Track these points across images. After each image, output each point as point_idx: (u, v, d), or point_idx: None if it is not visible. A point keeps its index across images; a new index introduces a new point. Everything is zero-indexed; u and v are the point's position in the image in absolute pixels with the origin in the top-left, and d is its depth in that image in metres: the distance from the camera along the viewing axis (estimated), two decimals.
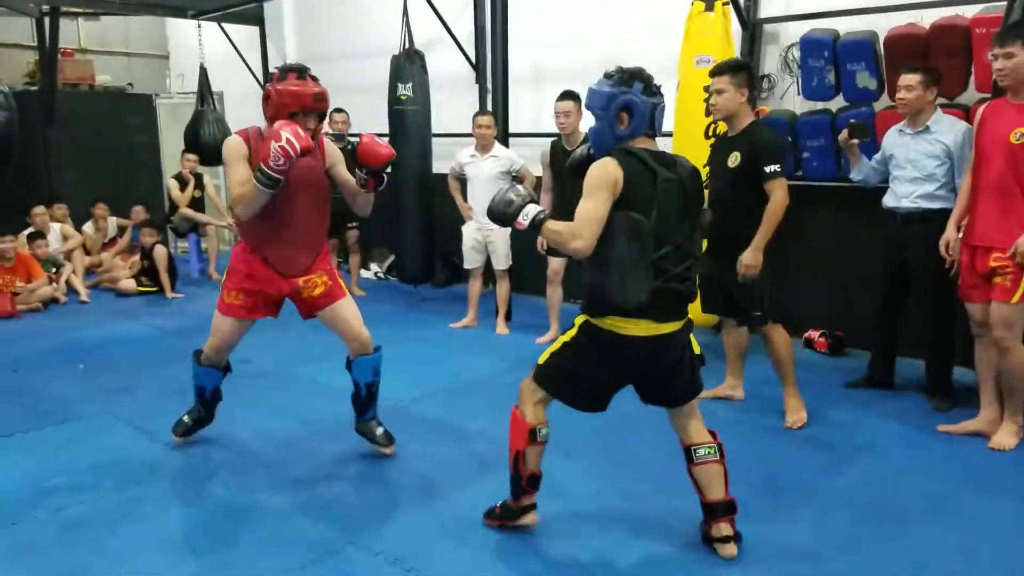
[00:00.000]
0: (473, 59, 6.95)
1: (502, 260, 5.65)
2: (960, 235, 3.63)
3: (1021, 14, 3.82)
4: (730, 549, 2.64)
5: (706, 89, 4.04)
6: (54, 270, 7.04)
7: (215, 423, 3.76)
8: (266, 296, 3.31)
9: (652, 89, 2.55)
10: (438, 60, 6.86)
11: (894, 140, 4.05)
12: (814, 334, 5.15)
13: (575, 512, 2.98)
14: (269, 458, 3.46)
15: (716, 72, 3.76)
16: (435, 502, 3.07)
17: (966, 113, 4.12)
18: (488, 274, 5.95)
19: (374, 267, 8.10)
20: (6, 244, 6.44)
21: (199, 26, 8.78)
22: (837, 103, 4.86)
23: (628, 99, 2.50)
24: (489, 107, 6.57)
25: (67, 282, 7.05)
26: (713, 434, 2.71)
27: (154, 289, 7.13)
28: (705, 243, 3.35)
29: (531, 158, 5.78)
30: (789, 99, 5.19)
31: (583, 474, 3.32)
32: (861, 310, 4.60)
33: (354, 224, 6.96)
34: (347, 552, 2.69)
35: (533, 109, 6.58)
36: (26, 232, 7.11)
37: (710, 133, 4.56)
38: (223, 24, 8.94)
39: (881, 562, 2.63)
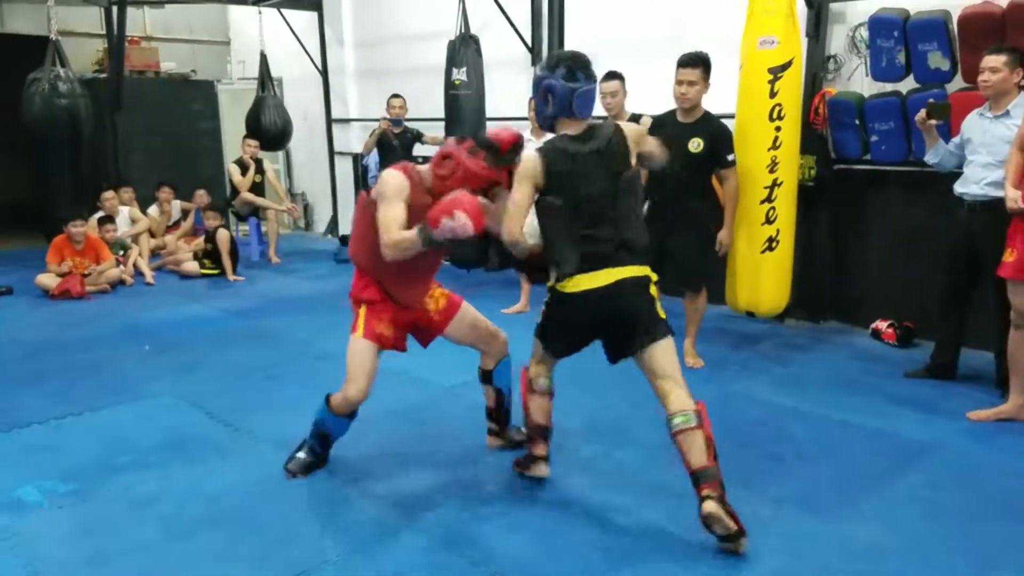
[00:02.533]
0: (529, 42, 6.90)
1: None
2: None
3: None
4: (708, 505, 2.53)
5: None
6: (121, 252, 7.26)
7: (280, 406, 3.84)
8: (406, 325, 3.15)
9: (575, 74, 2.74)
10: (493, 43, 6.82)
11: (973, 123, 3.87)
12: (881, 325, 4.98)
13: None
14: None
15: (689, 63, 4.16)
16: (489, 486, 3.07)
17: None
18: None
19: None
20: (78, 228, 6.66)
21: (260, 12, 8.91)
22: (907, 85, 4.67)
23: (548, 83, 2.75)
24: None
25: (134, 264, 7.28)
26: (698, 403, 2.68)
27: (216, 271, 7.30)
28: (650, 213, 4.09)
29: None
30: (856, 81, 5.01)
31: None
32: (932, 300, 4.44)
33: None
34: (402, 535, 2.71)
35: None
36: (96, 216, 7.34)
37: (773, 116, 4.43)
38: (283, 10, 9.05)
39: (949, 561, 2.53)
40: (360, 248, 3.01)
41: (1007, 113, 3.70)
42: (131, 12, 9.26)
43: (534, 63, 6.86)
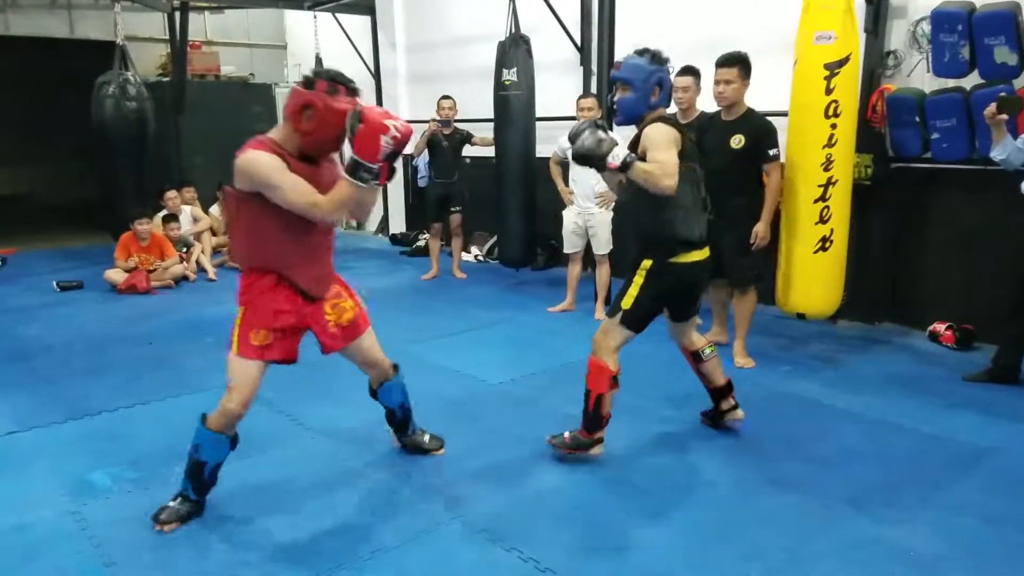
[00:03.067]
0: (578, 41, 6.89)
1: (603, 244, 5.59)
2: None
3: None
4: (739, 412, 3.50)
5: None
6: (184, 249, 7.50)
7: (333, 397, 3.93)
8: (294, 330, 2.82)
9: (670, 71, 3.11)
10: (543, 43, 6.82)
11: None
12: (939, 327, 4.87)
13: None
14: (375, 434, 3.57)
15: (725, 63, 4.27)
16: (535, 482, 3.11)
17: None
18: (588, 258, 5.93)
19: (474, 250, 8.21)
20: (143, 226, 6.91)
21: (315, 17, 9.10)
22: (969, 81, 4.55)
23: (661, 76, 3.06)
24: (593, 90, 6.52)
25: (196, 261, 7.51)
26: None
27: None
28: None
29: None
30: (917, 77, 4.89)
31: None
32: (994, 302, 4.32)
33: (457, 208, 7.07)
34: (451, 527, 2.77)
35: None
36: (161, 214, 7.59)
37: (828, 113, 4.35)
38: (337, 15, 9.22)
39: (1007, 573, 2.48)
40: (244, 243, 2.77)
41: None
42: (192, 17, 9.55)
43: (582, 63, 6.87)
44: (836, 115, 4.33)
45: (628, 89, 3.04)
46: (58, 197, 13.91)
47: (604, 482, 3.09)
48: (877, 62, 5.00)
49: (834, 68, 4.32)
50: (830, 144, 4.37)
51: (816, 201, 4.45)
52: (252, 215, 2.63)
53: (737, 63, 4.25)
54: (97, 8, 9.83)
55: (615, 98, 3.13)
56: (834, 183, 4.40)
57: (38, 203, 13.96)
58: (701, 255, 3.13)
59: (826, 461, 3.27)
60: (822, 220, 4.45)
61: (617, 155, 2.87)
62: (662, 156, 2.89)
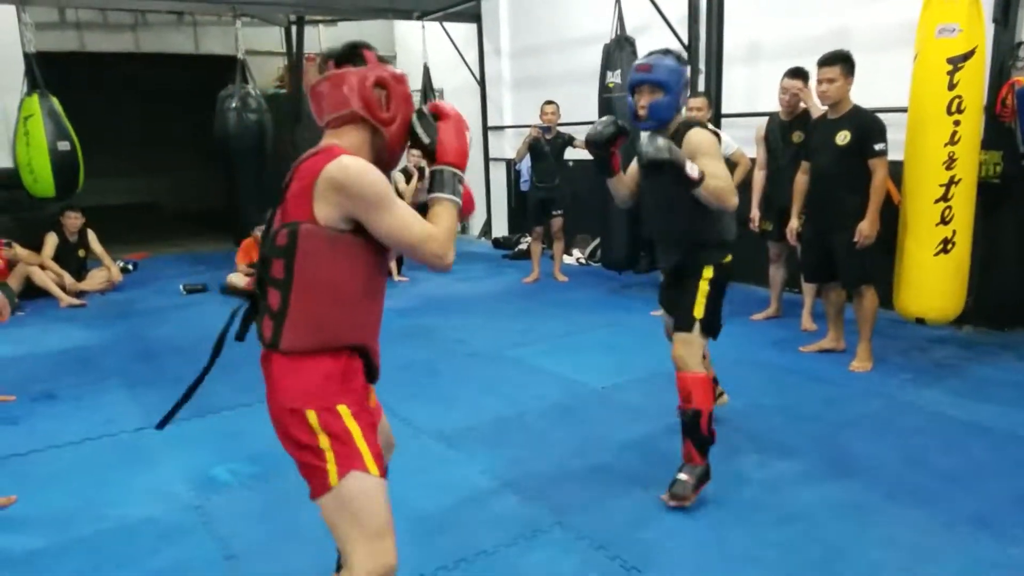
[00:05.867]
0: (685, 40, 6.80)
1: None
2: None
3: None
4: (725, 397, 3.64)
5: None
6: None
7: (438, 398, 4.02)
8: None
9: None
10: (649, 44, 6.73)
11: None
12: None
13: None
14: (481, 435, 3.64)
15: (826, 63, 4.22)
16: (642, 489, 3.07)
17: None
18: None
19: (576, 253, 8.21)
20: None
21: (423, 27, 9.33)
22: None
23: (688, 76, 3.02)
24: (700, 88, 6.41)
25: None
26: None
27: None
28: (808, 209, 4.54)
29: (744, 139, 5.58)
30: None
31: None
32: None
33: (559, 211, 7.09)
34: (554, 532, 2.78)
35: (748, 88, 6.33)
36: None
37: (952, 110, 4.13)
38: (444, 23, 9.42)
39: None
40: (316, 306, 1.76)
41: None
42: (308, 30, 10.00)
43: (689, 62, 6.75)
44: (960, 111, 4.10)
45: (661, 92, 2.89)
46: (185, 205, 14.87)
47: (709, 494, 3.02)
48: (1007, 54, 4.69)
49: (958, 62, 4.09)
50: (952, 142, 4.14)
51: (937, 201, 4.22)
52: (332, 261, 1.74)
53: (839, 61, 4.19)
54: (220, 24, 10.43)
55: (642, 102, 2.93)
56: (957, 182, 4.17)
57: (167, 210, 14.95)
58: (730, 255, 3.08)
59: (951, 476, 3.10)
60: (943, 221, 4.22)
61: (694, 166, 2.75)
62: (717, 168, 2.82)
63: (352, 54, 1.84)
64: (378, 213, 1.70)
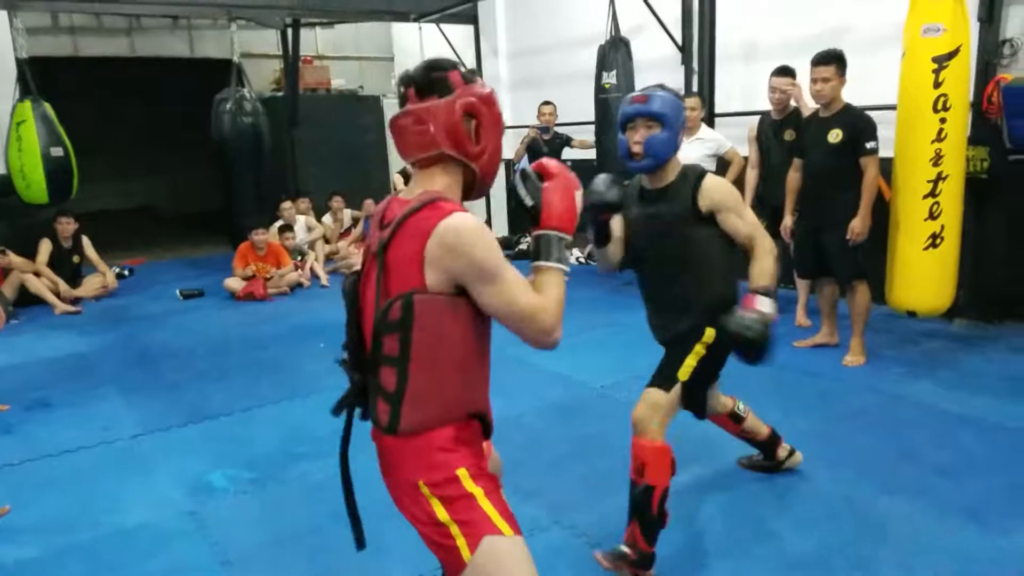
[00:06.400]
0: (680, 41, 6.84)
1: None
2: None
3: None
4: (798, 456, 3.17)
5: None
6: (299, 258, 7.90)
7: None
8: None
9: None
10: (643, 44, 6.83)
11: None
12: None
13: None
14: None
15: (820, 61, 4.26)
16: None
17: None
18: None
19: (576, 252, 8.25)
20: (260, 236, 7.32)
21: (420, 28, 9.37)
22: None
23: (685, 113, 2.67)
24: (694, 88, 6.46)
25: (310, 268, 7.89)
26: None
27: None
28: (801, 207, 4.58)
29: (738, 138, 5.63)
30: None
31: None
32: None
33: None
34: (552, 532, 2.82)
35: (742, 87, 6.38)
36: (277, 224, 8.02)
37: (938, 107, 4.18)
38: (441, 25, 9.46)
39: None
40: (433, 383, 1.65)
41: None
42: (304, 33, 10.03)
43: (684, 62, 6.80)
44: (946, 109, 4.16)
45: (659, 126, 2.50)
46: (181, 208, 14.89)
47: (705, 491, 3.08)
48: (993, 52, 4.75)
49: (943, 61, 4.15)
50: (939, 139, 4.19)
51: (925, 197, 4.28)
52: (450, 329, 1.62)
53: (833, 60, 4.27)
54: (215, 28, 10.46)
55: (636, 137, 2.54)
56: (944, 178, 4.22)
57: (164, 214, 14.98)
58: None
59: (942, 469, 3.16)
60: (932, 216, 4.28)
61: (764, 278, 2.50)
62: (752, 221, 2.57)
63: (434, 80, 1.66)
64: (487, 284, 1.57)
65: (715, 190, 2.55)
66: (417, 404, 1.62)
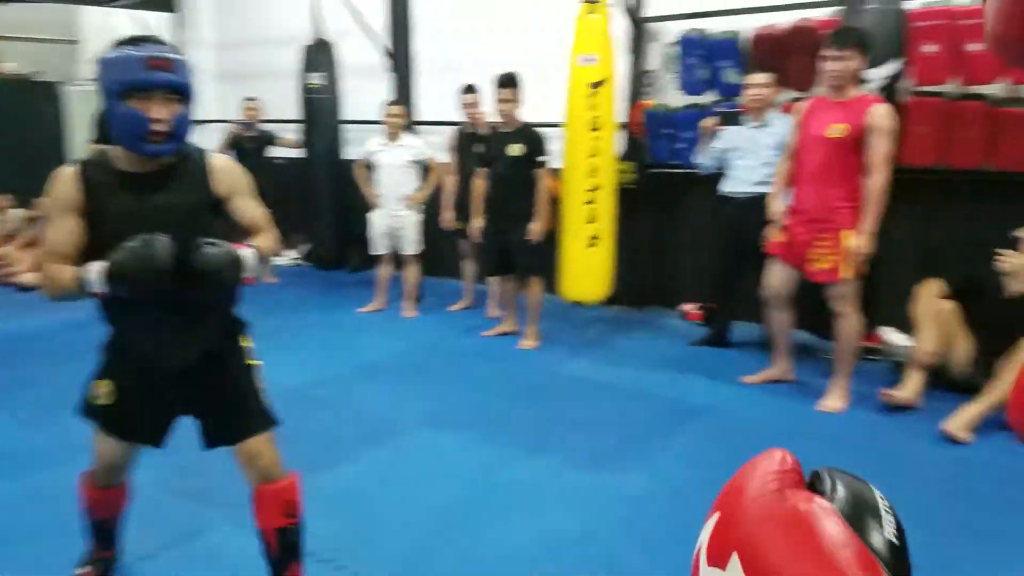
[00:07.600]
0: (391, 48, 7.08)
1: (411, 245, 5.90)
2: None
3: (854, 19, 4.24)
4: None
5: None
6: None
7: None
8: None
9: None
10: (354, 46, 6.95)
11: (738, 133, 4.73)
12: (689, 307, 5.69)
13: None
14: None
15: (504, 84, 4.86)
16: (311, 478, 2.75)
17: None
18: (400, 258, 6.19)
19: (292, 253, 8.24)
20: None
21: (107, 14, 8.74)
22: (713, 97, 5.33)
23: None
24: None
25: None
26: None
27: None
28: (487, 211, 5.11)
29: (439, 146, 6.04)
30: (672, 94, 5.62)
31: None
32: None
33: None
34: (222, 528, 2.75)
35: (443, 98, 6.83)
36: None
37: (592, 127, 4.95)
38: (136, 12, 8.89)
39: (701, 503, 3.01)
40: None
41: (766, 124, 4.54)
42: None
43: (394, 70, 7.07)
44: (598, 128, 4.94)
45: (183, 102, 1.97)
46: None
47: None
48: (639, 80, 5.68)
49: (596, 86, 4.92)
50: (594, 154, 4.97)
51: (586, 204, 5.04)
52: None
53: (511, 84, 4.89)
54: None
55: (163, 114, 1.93)
56: (598, 188, 5.01)
57: None
58: None
59: (577, 424, 3.77)
60: (591, 220, 5.05)
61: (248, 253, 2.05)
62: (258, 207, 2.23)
63: None
64: None
65: (229, 171, 2.13)
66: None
